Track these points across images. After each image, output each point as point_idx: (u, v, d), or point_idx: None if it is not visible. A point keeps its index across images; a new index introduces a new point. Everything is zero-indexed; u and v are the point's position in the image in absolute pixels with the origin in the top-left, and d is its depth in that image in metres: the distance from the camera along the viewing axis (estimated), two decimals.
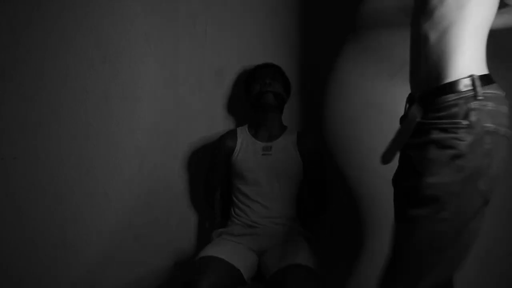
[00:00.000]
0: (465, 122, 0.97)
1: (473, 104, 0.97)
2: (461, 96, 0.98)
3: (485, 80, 1.00)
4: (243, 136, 1.68)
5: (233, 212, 1.64)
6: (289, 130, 1.69)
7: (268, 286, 1.41)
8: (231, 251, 1.47)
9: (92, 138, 1.84)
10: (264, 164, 1.61)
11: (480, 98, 0.97)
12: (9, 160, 1.82)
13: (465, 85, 0.99)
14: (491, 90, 0.99)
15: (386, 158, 1.16)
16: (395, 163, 1.18)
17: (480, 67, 1.02)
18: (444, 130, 0.99)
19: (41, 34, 1.83)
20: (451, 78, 1.00)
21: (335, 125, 1.86)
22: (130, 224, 1.85)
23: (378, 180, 1.87)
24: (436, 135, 1.00)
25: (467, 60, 1.00)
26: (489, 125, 0.97)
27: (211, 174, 1.71)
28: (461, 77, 0.99)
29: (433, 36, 1.03)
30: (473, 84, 0.98)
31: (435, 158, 0.99)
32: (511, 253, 1.88)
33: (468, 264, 1.86)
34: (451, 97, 0.99)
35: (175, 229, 1.87)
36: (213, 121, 1.85)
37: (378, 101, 1.86)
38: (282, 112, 1.73)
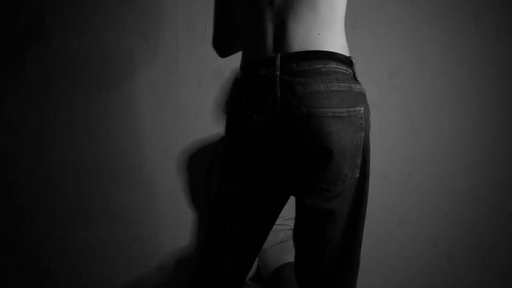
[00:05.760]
0: None
1: None
2: None
3: None
4: None
5: None
6: None
7: (267, 285, 1.41)
8: None
9: (92, 138, 1.84)
10: None
11: None
12: (9, 157, 1.82)
13: None
14: None
15: None
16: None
17: None
18: None
19: (42, 37, 1.84)
20: None
21: None
22: (130, 224, 1.86)
23: (378, 180, 1.87)
24: None
25: None
26: None
27: (211, 174, 1.71)
28: None
29: None
30: None
31: None
32: (511, 253, 1.88)
33: (468, 264, 1.88)
34: None
35: (175, 229, 1.87)
36: (213, 121, 1.85)
37: (378, 101, 1.86)
38: None
